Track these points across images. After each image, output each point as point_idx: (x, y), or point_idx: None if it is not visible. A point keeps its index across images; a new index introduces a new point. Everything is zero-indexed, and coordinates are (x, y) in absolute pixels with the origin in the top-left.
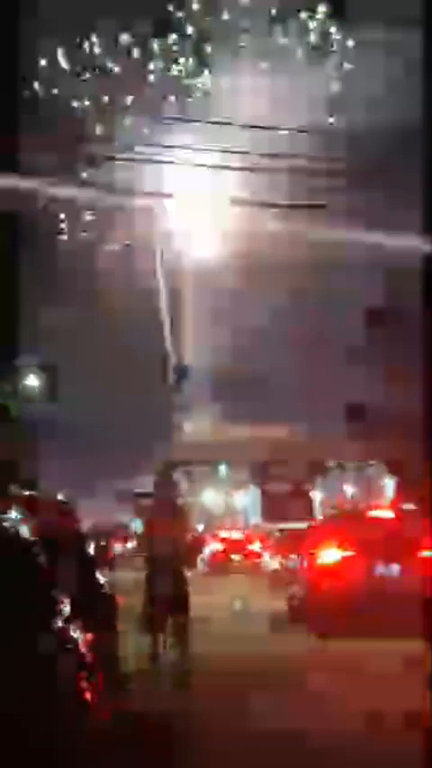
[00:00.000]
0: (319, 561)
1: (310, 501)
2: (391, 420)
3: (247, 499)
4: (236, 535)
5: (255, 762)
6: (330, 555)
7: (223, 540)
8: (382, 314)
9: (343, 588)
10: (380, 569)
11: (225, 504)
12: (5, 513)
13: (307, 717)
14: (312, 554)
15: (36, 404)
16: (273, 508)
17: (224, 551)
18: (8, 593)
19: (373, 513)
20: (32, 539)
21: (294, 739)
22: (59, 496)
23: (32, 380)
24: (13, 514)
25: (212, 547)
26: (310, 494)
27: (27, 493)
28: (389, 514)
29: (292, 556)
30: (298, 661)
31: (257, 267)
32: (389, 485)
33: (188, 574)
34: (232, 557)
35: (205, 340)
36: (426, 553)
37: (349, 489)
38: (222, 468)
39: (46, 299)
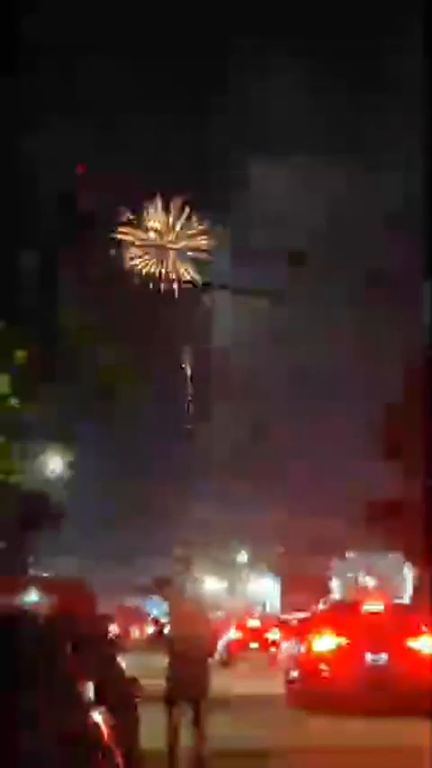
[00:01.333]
0: (315, 648)
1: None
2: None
3: (265, 585)
4: (253, 623)
5: None
6: (325, 643)
7: (241, 627)
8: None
9: (336, 673)
10: (370, 657)
11: (242, 590)
12: (25, 594)
13: None
14: (309, 641)
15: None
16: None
17: (243, 640)
18: (31, 676)
19: (366, 606)
20: (53, 622)
21: None
22: (78, 579)
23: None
24: (34, 596)
25: (232, 635)
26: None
27: (45, 575)
28: (379, 607)
29: (293, 643)
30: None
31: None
32: (407, 576)
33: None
34: (250, 644)
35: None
36: (411, 643)
37: (369, 580)
38: (242, 554)
39: None
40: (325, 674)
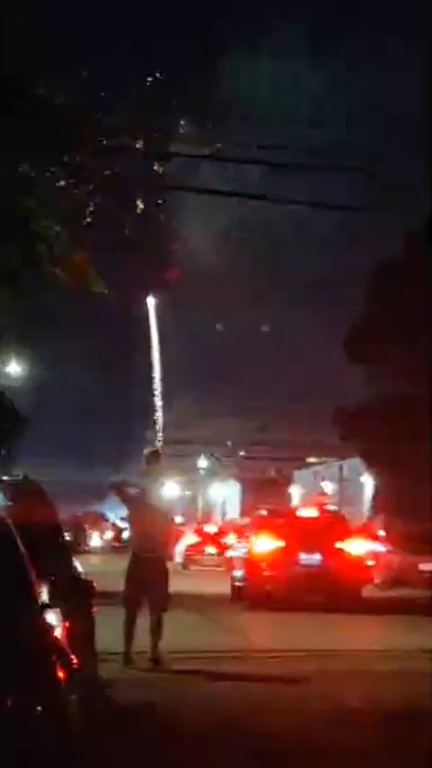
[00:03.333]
0: (255, 550)
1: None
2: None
3: (226, 491)
4: (210, 528)
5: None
6: (263, 545)
7: (199, 532)
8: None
9: (272, 572)
10: (303, 557)
11: (203, 495)
12: None
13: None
14: (250, 544)
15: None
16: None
17: (200, 544)
18: None
19: (300, 512)
20: (7, 523)
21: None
22: (35, 481)
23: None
24: None
25: (189, 539)
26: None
27: (5, 478)
28: (313, 513)
29: (238, 545)
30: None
31: None
32: (367, 482)
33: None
34: (207, 549)
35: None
36: (339, 544)
37: (327, 485)
38: (203, 460)
39: None
40: (264, 574)
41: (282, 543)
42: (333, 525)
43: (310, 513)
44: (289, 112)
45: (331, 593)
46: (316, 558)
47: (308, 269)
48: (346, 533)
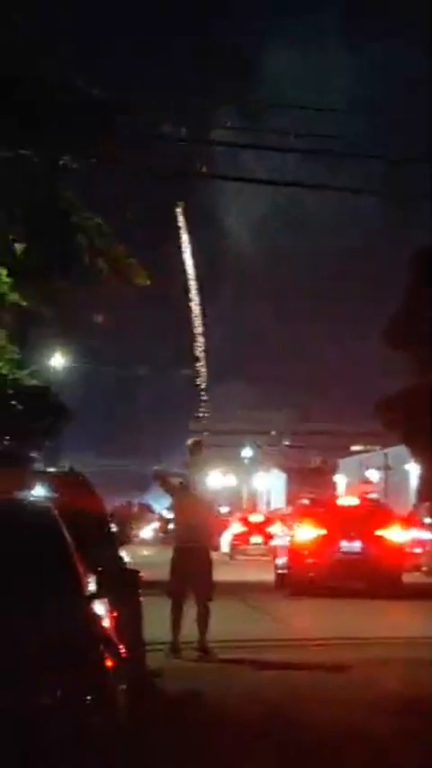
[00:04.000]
0: (297, 538)
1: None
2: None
3: (270, 481)
4: (256, 518)
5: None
6: (306, 533)
7: (245, 521)
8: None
9: (314, 560)
10: (345, 545)
11: (248, 485)
12: (32, 489)
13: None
14: (293, 533)
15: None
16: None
17: (245, 533)
18: (38, 566)
19: (341, 500)
20: (55, 515)
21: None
22: (81, 472)
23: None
24: (41, 491)
25: (235, 529)
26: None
27: (51, 470)
28: (354, 501)
29: (281, 533)
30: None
31: None
32: (412, 470)
33: (212, 555)
34: (252, 538)
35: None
36: (379, 532)
37: (373, 474)
38: (247, 449)
39: None
40: (306, 562)
41: (323, 531)
42: (373, 513)
43: (351, 501)
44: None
45: (372, 579)
46: (357, 545)
47: (349, 257)
48: (387, 521)
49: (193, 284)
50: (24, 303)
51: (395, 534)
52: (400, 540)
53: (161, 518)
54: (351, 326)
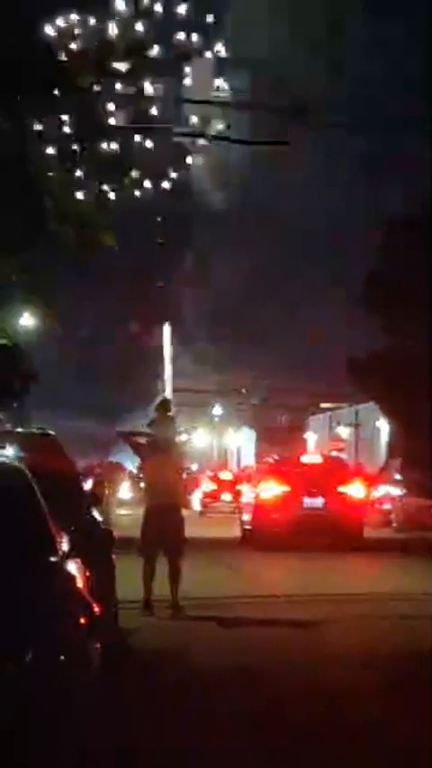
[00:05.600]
0: (262, 495)
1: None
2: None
3: (240, 439)
4: (225, 475)
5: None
6: (270, 490)
7: (215, 479)
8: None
9: (278, 516)
10: (307, 501)
11: (219, 444)
12: (2, 449)
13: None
14: (258, 490)
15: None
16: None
17: (215, 491)
18: (10, 526)
19: (304, 458)
20: (26, 475)
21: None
22: (52, 433)
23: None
24: (10, 451)
25: (205, 487)
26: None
27: (20, 429)
28: (317, 459)
29: (247, 491)
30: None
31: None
32: (383, 427)
33: (184, 512)
34: (222, 496)
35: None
36: (342, 488)
37: (343, 431)
38: (217, 408)
39: None
40: (271, 517)
41: (287, 488)
42: (336, 470)
43: (314, 459)
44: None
45: (334, 534)
46: (319, 501)
47: (323, 217)
48: (349, 477)
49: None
50: None
51: (357, 490)
52: (362, 496)
53: (131, 475)
54: (321, 289)
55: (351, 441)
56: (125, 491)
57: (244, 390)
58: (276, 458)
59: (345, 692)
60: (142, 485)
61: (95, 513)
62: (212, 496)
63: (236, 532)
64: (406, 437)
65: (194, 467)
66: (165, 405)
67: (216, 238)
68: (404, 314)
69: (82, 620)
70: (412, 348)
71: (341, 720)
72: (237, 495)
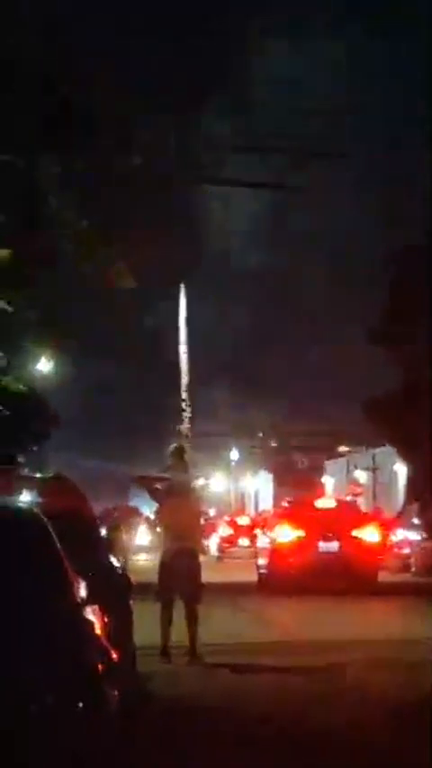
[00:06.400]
0: (278, 540)
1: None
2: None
3: (257, 483)
4: (243, 520)
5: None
6: (285, 534)
7: (232, 524)
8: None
9: (293, 560)
10: (322, 545)
11: (235, 488)
12: (19, 494)
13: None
14: (273, 534)
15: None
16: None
17: (232, 536)
18: (28, 572)
19: (319, 502)
20: (44, 520)
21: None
22: (67, 477)
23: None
24: (28, 496)
25: (222, 532)
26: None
27: (38, 475)
28: (332, 503)
29: (263, 535)
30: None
31: None
32: (400, 470)
33: (201, 558)
34: (239, 541)
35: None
36: (356, 532)
37: (361, 474)
38: (234, 452)
39: None
40: (286, 562)
41: (302, 533)
42: (350, 514)
43: (329, 503)
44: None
45: (348, 578)
46: (334, 545)
47: (331, 259)
48: (363, 522)
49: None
50: (10, 309)
51: (371, 534)
52: (377, 540)
53: (149, 520)
54: (336, 326)
55: (369, 485)
56: (142, 536)
57: (261, 434)
58: (291, 501)
59: (356, 737)
60: (159, 529)
61: (112, 559)
62: (229, 541)
63: (253, 577)
64: (424, 480)
65: (212, 511)
66: (180, 450)
67: (230, 279)
68: (415, 346)
69: (100, 667)
70: (423, 383)
71: (356, 761)
72: (254, 539)
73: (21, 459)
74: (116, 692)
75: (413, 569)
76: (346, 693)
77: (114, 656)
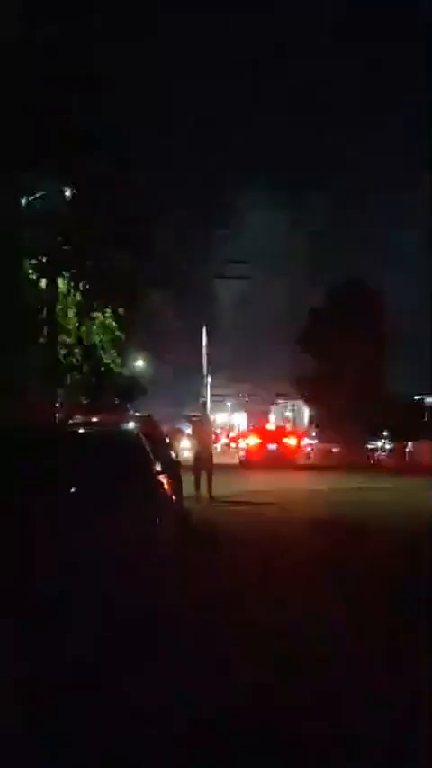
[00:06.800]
0: (248, 444)
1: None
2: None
3: (239, 418)
4: (233, 435)
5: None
6: (252, 441)
7: (228, 437)
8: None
9: (256, 454)
10: (270, 446)
11: (229, 420)
12: (128, 423)
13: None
14: (246, 441)
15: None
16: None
17: (228, 442)
18: (134, 460)
19: (268, 426)
20: (140, 435)
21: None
22: (152, 416)
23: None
24: (132, 424)
25: (224, 440)
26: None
27: (137, 414)
28: (273, 427)
29: (242, 441)
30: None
31: None
32: (306, 411)
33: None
34: (232, 444)
35: None
36: (284, 440)
37: (288, 413)
38: (228, 404)
39: None
40: (252, 453)
41: (259, 440)
42: (281, 432)
43: (272, 427)
44: None
45: (282, 462)
46: (274, 446)
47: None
48: (288, 435)
49: None
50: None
51: (292, 441)
52: (295, 444)
53: (188, 436)
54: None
55: (291, 418)
56: (185, 443)
57: (241, 395)
58: (254, 426)
59: (290, 531)
60: (192, 440)
61: (172, 453)
62: (227, 445)
63: (236, 461)
64: (317, 417)
65: (218, 430)
66: (204, 405)
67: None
68: (325, 355)
69: (168, 503)
70: (327, 371)
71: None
72: (238, 443)
73: (129, 407)
74: (173, 515)
75: (311, 458)
76: (285, 511)
77: (174, 498)
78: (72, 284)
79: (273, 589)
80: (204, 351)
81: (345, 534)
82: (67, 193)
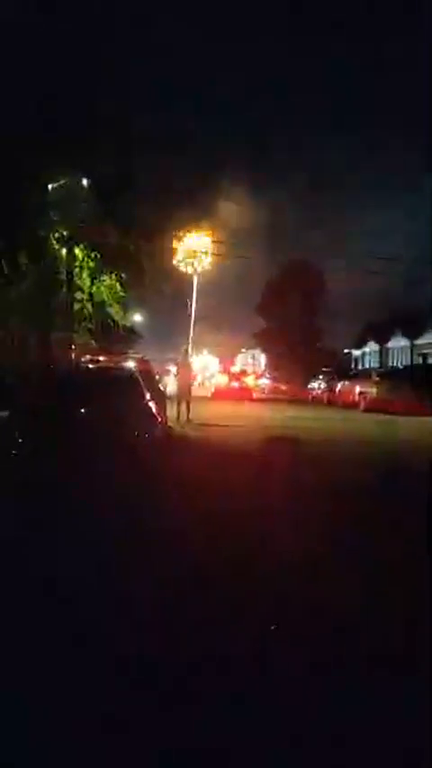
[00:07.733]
0: (219, 382)
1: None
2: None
3: (211, 361)
4: (207, 375)
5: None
6: (222, 380)
7: (203, 377)
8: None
9: (223, 389)
10: (233, 384)
11: (204, 363)
12: (126, 362)
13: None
14: (216, 380)
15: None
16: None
17: (203, 380)
18: (131, 389)
19: (234, 369)
20: (136, 372)
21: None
22: (146, 357)
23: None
24: (130, 363)
25: (199, 378)
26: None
27: (135, 355)
28: (237, 369)
29: (213, 380)
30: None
31: None
32: (263, 358)
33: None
34: (205, 381)
35: None
36: (245, 380)
37: (250, 360)
38: (206, 352)
39: None
40: (220, 389)
41: (226, 379)
42: (243, 373)
43: (236, 369)
44: None
45: (242, 396)
46: (236, 384)
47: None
48: (246, 375)
49: None
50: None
51: (251, 380)
52: (252, 383)
53: (174, 374)
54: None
55: (251, 363)
56: (172, 380)
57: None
58: (223, 369)
59: (256, 446)
60: (176, 378)
61: (160, 386)
62: (201, 383)
63: (208, 394)
64: (271, 363)
65: (195, 372)
66: (186, 350)
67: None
68: (277, 318)
69: (156, 422)
70: (279, 328)
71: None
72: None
73: (128, 350)
74: (160, 431)
75: (265, 392)
76: (255, 432)
77: (160, 419)
78: (86, 253)
79: (231, 475)
80: (192, 309)
81: (292, 444)
82: (84, 182)
